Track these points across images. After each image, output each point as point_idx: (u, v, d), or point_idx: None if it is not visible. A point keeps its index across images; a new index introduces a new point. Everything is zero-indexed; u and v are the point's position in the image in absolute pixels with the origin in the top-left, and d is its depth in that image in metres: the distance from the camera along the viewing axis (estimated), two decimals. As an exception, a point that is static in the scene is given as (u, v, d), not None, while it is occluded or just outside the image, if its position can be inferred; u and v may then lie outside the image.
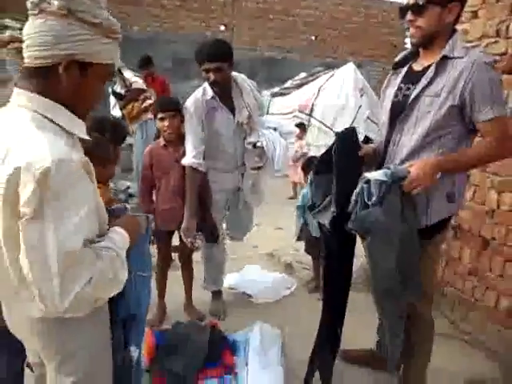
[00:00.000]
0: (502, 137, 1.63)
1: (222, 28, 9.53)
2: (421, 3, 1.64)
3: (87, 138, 1.14)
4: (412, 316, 1.84)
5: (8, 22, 4.50)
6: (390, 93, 1.92)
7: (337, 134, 1.86)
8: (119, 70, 5.16)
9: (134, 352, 1.35)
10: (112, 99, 5.53)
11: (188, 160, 2.52)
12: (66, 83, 1.07)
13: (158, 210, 2.63)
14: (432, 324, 1.99)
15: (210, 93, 2.54)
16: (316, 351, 2.07)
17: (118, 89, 5.32)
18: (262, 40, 9.92)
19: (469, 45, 2.54)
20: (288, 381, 2.18)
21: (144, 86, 5.36)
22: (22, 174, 0.94)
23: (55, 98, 1.07)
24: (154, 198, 2.73)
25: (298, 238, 3.25)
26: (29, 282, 1.01)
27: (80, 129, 1.12)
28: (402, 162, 1.75)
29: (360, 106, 6.88)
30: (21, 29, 3.90)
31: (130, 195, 5.48)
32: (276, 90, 8.22)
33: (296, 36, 10.05)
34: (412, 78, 1.79)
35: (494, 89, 1.61)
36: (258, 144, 2.57)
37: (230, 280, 3.34)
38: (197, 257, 3.00)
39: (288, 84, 8.37)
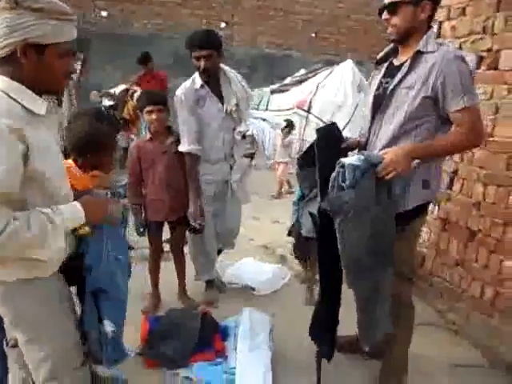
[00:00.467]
0: (472, 126, 1.72)
1: (223, 25, 9.57)
2: (394, 2, 1.74)
3: (43, 114, 1.30)
4: (392, 300, 1.92)
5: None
6: (373, 87, 2.03)
7: (317, 130, 1.97)
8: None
9: (108, 326, 1.45)
10: None
11: (184, 147, 2.63)
12: (27, 66, 1.24)
13: (147, 201, 2.72)
14: (412, 308, 2.07)
15: (199, 82, 2.65)
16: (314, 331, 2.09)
17: (106, 102, 5.48)
18: (262, 37, 9.95)
19: (441, 40, 2.64)
20: (277, 365, 2.27)
21: (126, 86, 5.53)
22: None
23: (22, 80, 1.25)
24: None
25: (289, 234, 3.23)
26: None
27: (39, 107, 1.29)
28: (381, 151, 1.83)
29: (358, 103, 6.93)
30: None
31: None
32: (275, 86, 8.28)
33: (296, 33, 10.08)
34: (391, 72, 1.91)
35: (463, 80, 1.70)
36: (248, 133, 2.67)
37: (229, 275, 3.40)
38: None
39: (287, 81, 8.43)
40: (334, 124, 2.01)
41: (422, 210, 1.91)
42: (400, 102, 1.81)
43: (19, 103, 1.24)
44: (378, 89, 1.96)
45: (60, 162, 1.41)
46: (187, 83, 2.69)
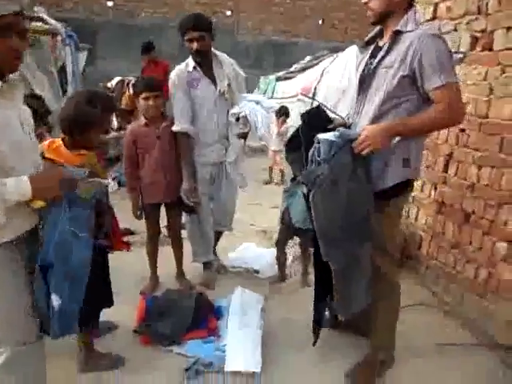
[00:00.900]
0: (450, 102, 1.73)
1: (229, 13, 9.56)
2: None
3: None
4: (376, 276, 1.97)
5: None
6: (360, 68, 2.05)
7: (302, 114, 2.00)
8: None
9: (54, 301, 1.51)
10: None
11: (177, 126, 2.73)
12: None
13: (143, 185, 2.79)
14: (397, 285, 2.10)
15: (192, 64, 2.78)
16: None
17: None
18: (268, 25, 9.93)
19: (432, 23, 2.62)
20: (266, 343, 2.33)
21: (120, 78, 5.57)
22: None
23: None
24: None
25: (282, 222, 3.18)
26: None
27: None
28: None
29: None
30: (31, 19, 4.03)
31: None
32: (281, 74, 8.27)
33: (303, 20, 10.03)
34: (375, 53, 1.93)
35: (440, 57, 1.72)
36: (241, 114, 2.74)
37: (232, 259, 3.47)
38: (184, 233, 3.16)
39: (293, 68, 8.40)
40: (318, 107, 2.05)
41: (404, 187, 1.93)
42: (379, 81, 1.84)
43: None
44: (363, 70, 1.99)
45: (19, 137, 1.44)
46: (181, 66, 2.81)
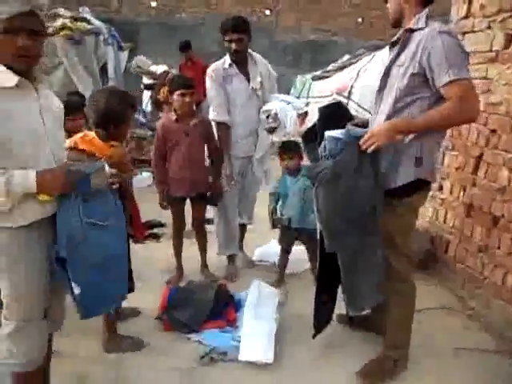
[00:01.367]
0: (461, 98, 1.70)
1: (268, 12, 9.61)
2: None
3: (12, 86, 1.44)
4: (388, 274, 1.96)
5: (60, 10, 4.95)
6: (383, 68, 2.05)
7: (319, 109, 2.03)
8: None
9: (75, 289, 1.59)
10: (145, 96, 5.87)
11: (213, 115, 2.95)
12: None
13: (170, 178, 2.90)
14: (411, 284, 2.08)
15: (228, 61, 2.95)
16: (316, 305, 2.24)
17: (146, 80, 5.66)
18: (306, 23, 9.87)
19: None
20: (281, 336, 2.38)
21: (166, 68, 5.66)
22: None
23: None
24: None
25: (273, 226, 3.12)
26: None
27: (5, 81, 1.44)
28: None
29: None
30: (71, 17, 4.28)
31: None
32: (317, 73, 8.20)
33: (341, 18, 9.89)
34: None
35: (448, 54, 1.70)
36: (272, 112, 2.87)
37: (259, 254, 3.54)
38: (211, 227, 3.30)
39: (330, 67, 8.31)
40: (339, 104, 2.07)
41: (417, 187, 1.90)
42: (393, 80, 1.85)
43: None
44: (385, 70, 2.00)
45: (37, 126, 1.52)
46: (218, 62, 2.99)
